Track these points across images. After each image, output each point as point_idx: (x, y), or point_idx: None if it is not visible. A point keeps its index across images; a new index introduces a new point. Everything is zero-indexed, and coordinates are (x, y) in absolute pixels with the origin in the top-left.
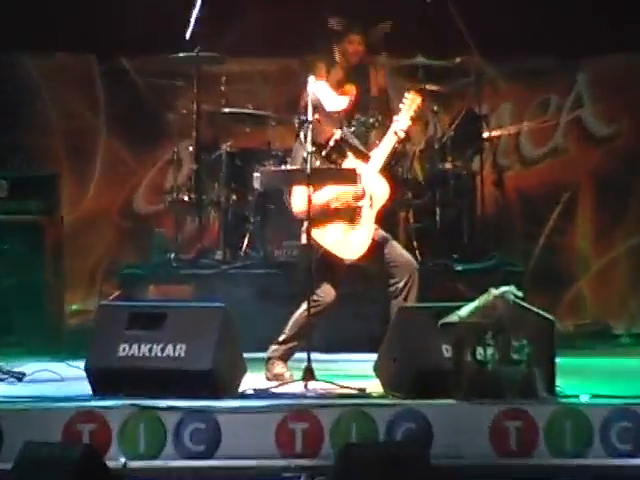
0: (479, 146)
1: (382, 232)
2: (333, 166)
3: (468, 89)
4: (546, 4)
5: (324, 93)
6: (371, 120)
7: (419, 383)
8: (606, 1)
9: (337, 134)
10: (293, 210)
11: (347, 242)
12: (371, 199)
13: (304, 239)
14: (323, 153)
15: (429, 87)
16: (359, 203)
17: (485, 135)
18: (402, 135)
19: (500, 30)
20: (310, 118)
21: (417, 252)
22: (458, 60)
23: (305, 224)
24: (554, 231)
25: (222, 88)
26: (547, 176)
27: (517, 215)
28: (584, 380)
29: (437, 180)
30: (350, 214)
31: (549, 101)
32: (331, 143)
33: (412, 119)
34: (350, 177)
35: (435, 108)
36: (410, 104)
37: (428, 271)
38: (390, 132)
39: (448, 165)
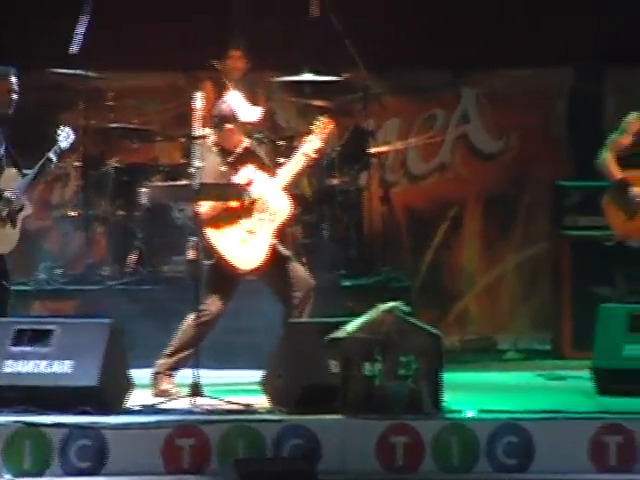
0: (366, 162)
1: (283, 249)
2: (236, 176)
3: (355, 105)
4: (432, 19)
5: (238, 103)
6: (258, 136)
7: (306, 398)
8: (492, 17)
9: (245, 143)
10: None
11: (243, 252)
12: (273, 214)
13: (191, 254)
14: (229, 159)
15: (316, 103)
16: (261, 215)
17: (372, 151)
18: (312, 156)
19: (386, 45)
20: (198, 133)
21: (305, 268)
22: (345, 76)
23: (194, 238)
24: (441, 247)
25: (109, 103)
26: (434, 192)
27: (404, 231)
28: (470, 395)
29: (324, 196)
30: (255, 229)
31: (436, 116)
32: (239, 150)
33: (323, 142)
34: (238, 192)
35: None
36: (323, 128)
37: (316, 287)
38: (300, 152)
39: (335, 181)
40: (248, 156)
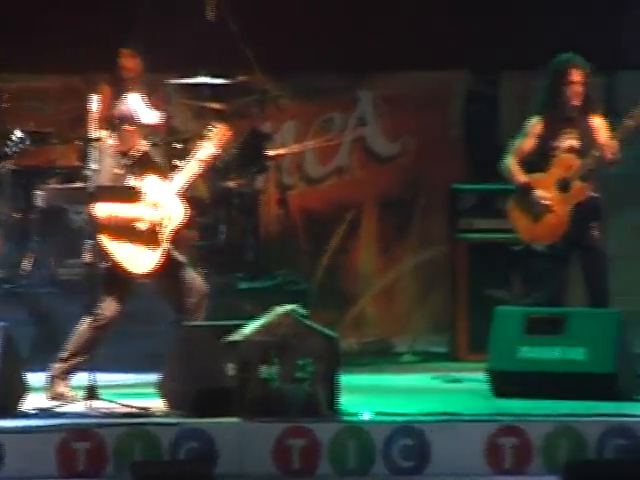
0: (263, 165)
1: (178, 255)
2: (131, 179)
3: (252, 107)
4: (328, 22)
5: (139, 105)
6: (154, 138)
7: (203, 402)
8: (389, 20)
9: (143, 146)
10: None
11: (138, 257)
12: (167, 219)
13: (88, 257)
14: (126, 162)
15: (212, 105)
16: (155, 220)
17: (269, 154)
18: (208, 162)
19: (284, 48)
20: (94, 136)
21: (202, 271)
22: (241, 78)
23: (91, 241)
24: (338, 250)
25: (4, 105)
26: (331, 195)
27: (301, 234)
28: (367, 398)
29: (221, 198)
30: (149, 233)
31: (333, 119)
32: (135, 153)
33: (218, 149)
34: (134, 195)
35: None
36: (218, 134)
37: (213, 290)
38: (194, 158)
39: (232, 183)
40: (145, 160)
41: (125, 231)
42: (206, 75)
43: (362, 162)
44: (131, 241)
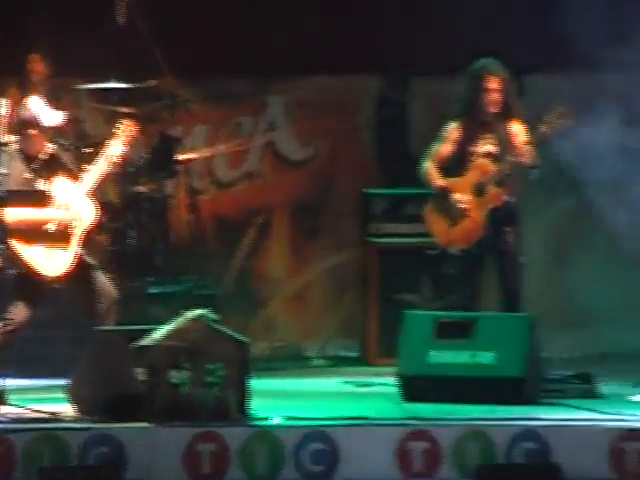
0: (173, 169)
1: (89, 258)
2: (41, 183)
3: (162, 112)
4: (240, 25)
5: (40, 108)
6: (63, 142)
7: (113, 406)
8: (301, 23)
9: (49, 149)
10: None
11: (49, 259)
12: (78, 220)
13: None
14: (33, 166)
15: (123, 110)
16: (66, 222)
17: (179, 158)
18: (115, 160)
19: (193, 52)
20: (3, 140)
21: (112, 275)
22: (152, 83)
23: (1, 246)
24: (249, 254)
25: None
26: (242, 199)
27: (212, 238)
28: (278, 402)
29: (131, 203)
30: (60, 235)
31: (242, 124)
32: (43, 156)
33: (126, 145)
34: (43, 199)
35: None
36: (125, 132)
37: (123, 294)
38: (103, 157)
39: (142, 188)
40: (53, 162)
41: (36, 234)
42: (116, 79)
43: (272, 166)
44: (42, 244)
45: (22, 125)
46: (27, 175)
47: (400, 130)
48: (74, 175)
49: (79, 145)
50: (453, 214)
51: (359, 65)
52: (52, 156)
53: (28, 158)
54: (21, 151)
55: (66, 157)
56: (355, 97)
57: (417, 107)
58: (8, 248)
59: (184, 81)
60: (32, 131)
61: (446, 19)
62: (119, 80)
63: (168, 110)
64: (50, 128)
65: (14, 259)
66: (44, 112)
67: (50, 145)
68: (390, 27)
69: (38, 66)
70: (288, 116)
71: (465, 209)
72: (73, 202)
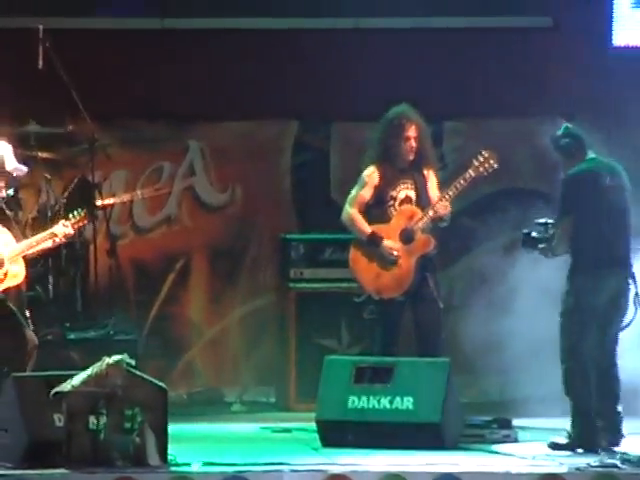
0: (92, 214)
1: (9, 304)
2: None
3: (81, 156)
4: (157, 71)
5: (6, 151)
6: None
7: (31, 453)
8: (218, 70)
9: (3, 193)
10: None
11: None
12: (4, 274)
13: None
14: None
15: (41, 154)
16: None
17: (98, 203)
18: (60, 240)
19: (112, 96)
20: None
21: (30, 321)
22: (70, 127)
23: None
24: (168, 299)
25: None
26: (161, 244)
27: (131, 283)
28: (197, 448)
29: (49, 248)
30: None
31: (162, 169)
32: None
33: (75, 232)
34: None
35: (48, 176)
36: (79, 219)
37: (41, 340)
38: (49, 231)
39: None
40: None
41: None
42: (35, 124)
43: (191, 211)
44: None
45: None
46: None
47: (318, 175)
48: (12, 227)
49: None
50: (382, 261)
51: (277, 111)
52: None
53: None
54: None
55: (5, 208)
56: (273, 142)
57: (335, 152)
58: None
59: (103, 125)
60: None
61: (364, 66)
62: (38, 124)
63: (87, 154)
64: (9, 174)
65: None
66: (10, 158)
67: (4, 192)
68: (308, 74)
69: None
70: (206, 161)
71: (396, 256)
72: (5, 257)
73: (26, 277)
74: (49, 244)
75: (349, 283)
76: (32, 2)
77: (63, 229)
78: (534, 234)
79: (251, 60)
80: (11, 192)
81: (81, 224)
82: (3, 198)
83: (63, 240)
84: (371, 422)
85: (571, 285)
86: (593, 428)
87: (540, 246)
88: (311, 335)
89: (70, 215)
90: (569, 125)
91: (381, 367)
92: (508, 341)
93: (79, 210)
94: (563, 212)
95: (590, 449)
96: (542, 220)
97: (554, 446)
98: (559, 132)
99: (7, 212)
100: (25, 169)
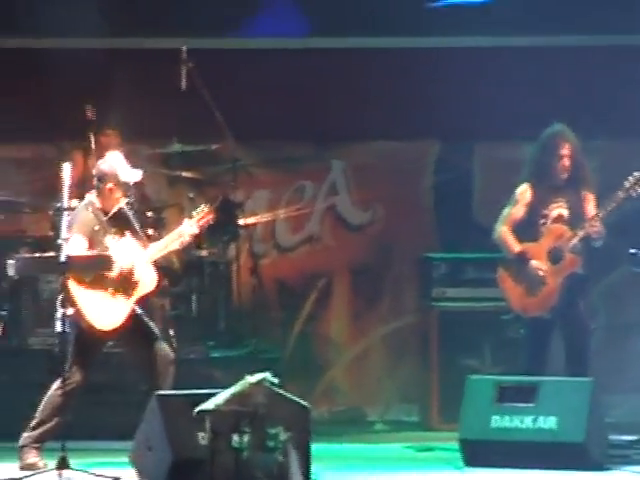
0: (235, 233)
1: (147, 321)
2: (109, 237)
3: (224, 176)
4: (300, 90)
5: (119, 163)
6: (133, 202)
7: (175, 471)
8: (364, 89)
9: (122, 203)
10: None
11: (105, 311)
12: (137, 283)
13: (59, 326)
14: (104, 219)
15: (185, 174)
16: (126, 281)
17: (241, 222)
18: (186, 239)
19: (256, 116)
20: (66, 205)
21: (174, 339)
22: (214, 147)
23: (61, 309)
24: (310, 318)
25: None
26: (303, 263)
27: (273, 302)
28: (339, 467)
29: (193, 267)
30: (121, 284)
31: (304, 188)
32: (114, 211)
33: (200, 230)
34: (106, 264)
35: (191, 195)
36: (203, 216)
37: (184, 358)
38: (176, 232)
39: (204, 252)
40: (122, 219)
41: (95, 286)
42: (179, 144)
43: (333, 230)
44: (99, 296)
45: (100, 178)
46: (96, 228)
47: (460, 194)
48: (139, 236)
49: (142, 209)
50: (529, 281)
51: (419, 131)
52: (122, 213)
53: (101, 211)
54: (94, 204)
55: (132, 217)
56: (415, 162)
57: (478, 172)
58: (66, 290)
59: (246, 145)
60: (110, 185)
61: (506, 85)
62: (182, 144)
63: (230, 174)
64: (126, 184)
65: (70, 303)
66: (123, 168)
67: (123, 201)
68: (450, 93)
69: (113, 140)
70: (349, 180)
71: (543, 277)
72: (136, 265)
73: (168, 294)
74: (177, 245)
75: (492, 302)
76: (176, 23)
77: (189, 228)
78: None
79: (394, 80)
80: (130, 200)
81: (205, 221)
82: (129, 206)
83: (189, 240)
84: (514, 442)
85: None
86: None
87: None
88: (453, 354)
89: (194, 213)
90: None
91: (524, 386)
92: None
93: (202, 206)
94: None
95: None
96: None
97: None
98: None
99: (133, 222)
100: (140, 173)
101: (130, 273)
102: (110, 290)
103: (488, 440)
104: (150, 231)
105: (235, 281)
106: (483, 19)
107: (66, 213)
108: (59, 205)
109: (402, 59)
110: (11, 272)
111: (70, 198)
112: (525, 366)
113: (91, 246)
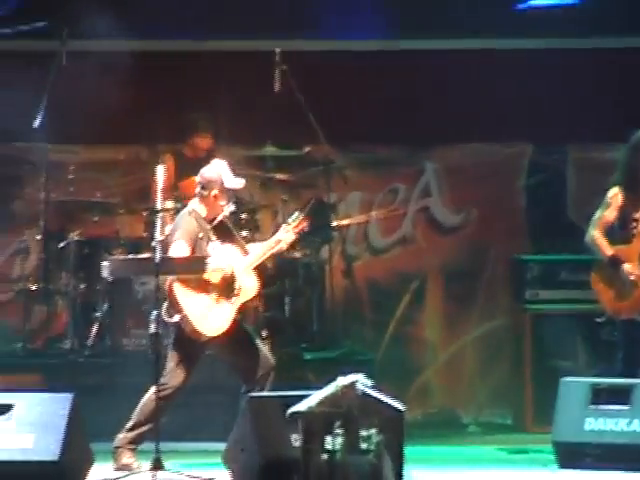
0: (328, 235)
1: (246, 325)
2: (212, 244)
3: (317, 178)
4: (392, 94)
5: (224, 170)
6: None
7: (267, 473)
8: (452, 93)
9: (226, 210)
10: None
11: (207, 317)
12: (239, 289)
13: (153, 328)
14: (207, 226)
15: (278, 176)
16: (228, 287)
17: (334, 224)
18: (284, 247)
19: (348, 119)
20: (160, 207)
21: (267, 341)
22: (307, 149)
23: (155, 312)
24: (403, 320)
25: (70, 176)
26: (396, 265)
27: (366, 304)
28: (433, 469)
29: (286, 269)
30: (225, 290)
31: (397, 190)
32: (220, 217)
33: (297, 236)
34: (199, 266)
35: (284, 197)
36: (298, 223)
37: (277, 360)
38: (273, 239)
39: (297, 254)
40: (223, 226)
41: (199, 291)
42: (273, 146)
43: (426, 232)
44: (203, 302)
45: (205, 185)
46: (200, 235)
47: (553, 196)
48: (239, 244)
49: (236, 211)
50: (621, 284)
51: (513, 133)
52: (223, 220)
53: (204, 218)
54: (196, 212)
55: (231, 222)
56: (508, 164)
57: (572, 174)
58: (171, 296)
59: (339, 148)
60: (215, 192)
61: (598, 88)
62: (275, 146)
63: (323, 176)
64: (230, 191)
65: (174, 308)
66: (228, 175)
67: (227, 209)
68: (541, 97)
69: (205, 144)
70: (442, 182)
71: (635, 280)
72: (237, 270)
73: (262, 296)
74: (274, 251)
75: (586, 304)
76: (270, 25)
77: (285, 235)
78: None
79: (487, 82)
80: (232, 208)
81: (301, 228)
82: (232, 213)
83: (287, 247)
84: (609, 444)
85: None
86: None
87: None
88: (547, 356)
89: (289, 220)
90: None
91: (619, 389)
92: None
93: (296, 213)
94: None
95: None
96: None
97: None
98: None
99: (232, 227)
100: (243, 181)
101: (232, 279)
102: (214, 296)
103: (582, 442)
104: (244, 233)
105: (328, 283)
106: (575, 20)
107: (160, 215)
108: (153, 207)
109: (497, 61)
110: (105, 274)
111: (164, 200)
112: (619, 369)
113: (193, 253)
